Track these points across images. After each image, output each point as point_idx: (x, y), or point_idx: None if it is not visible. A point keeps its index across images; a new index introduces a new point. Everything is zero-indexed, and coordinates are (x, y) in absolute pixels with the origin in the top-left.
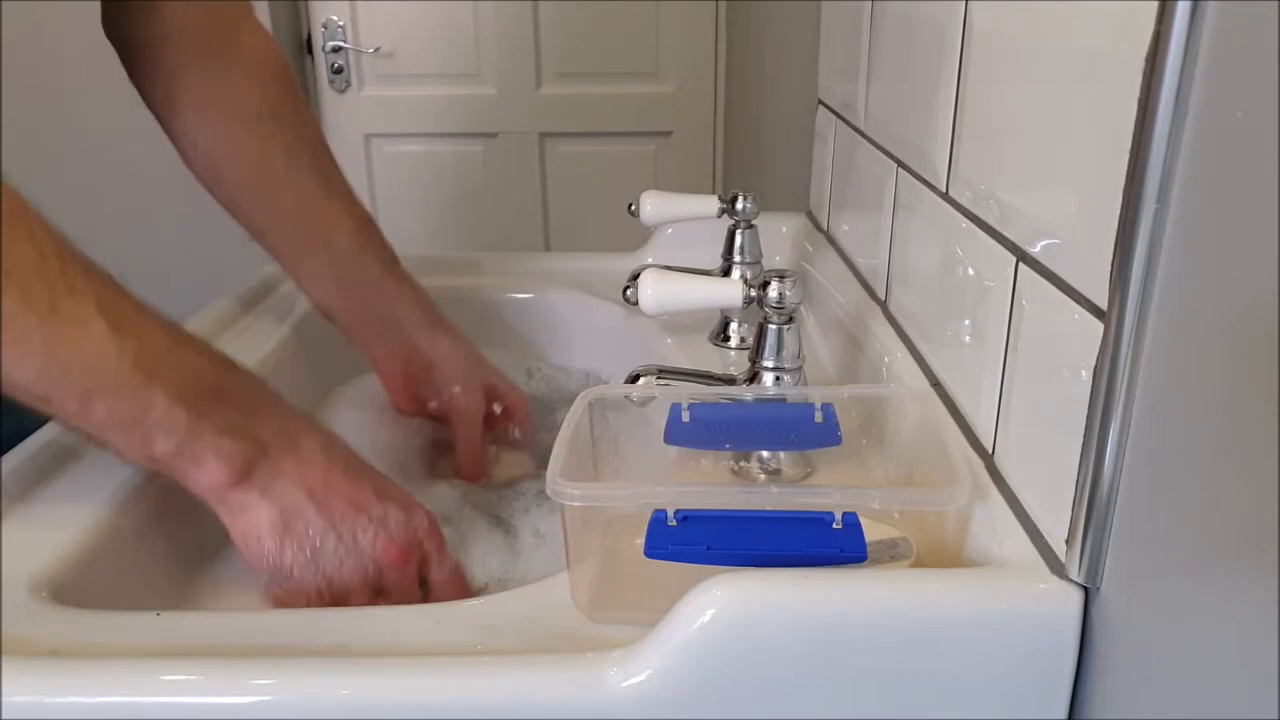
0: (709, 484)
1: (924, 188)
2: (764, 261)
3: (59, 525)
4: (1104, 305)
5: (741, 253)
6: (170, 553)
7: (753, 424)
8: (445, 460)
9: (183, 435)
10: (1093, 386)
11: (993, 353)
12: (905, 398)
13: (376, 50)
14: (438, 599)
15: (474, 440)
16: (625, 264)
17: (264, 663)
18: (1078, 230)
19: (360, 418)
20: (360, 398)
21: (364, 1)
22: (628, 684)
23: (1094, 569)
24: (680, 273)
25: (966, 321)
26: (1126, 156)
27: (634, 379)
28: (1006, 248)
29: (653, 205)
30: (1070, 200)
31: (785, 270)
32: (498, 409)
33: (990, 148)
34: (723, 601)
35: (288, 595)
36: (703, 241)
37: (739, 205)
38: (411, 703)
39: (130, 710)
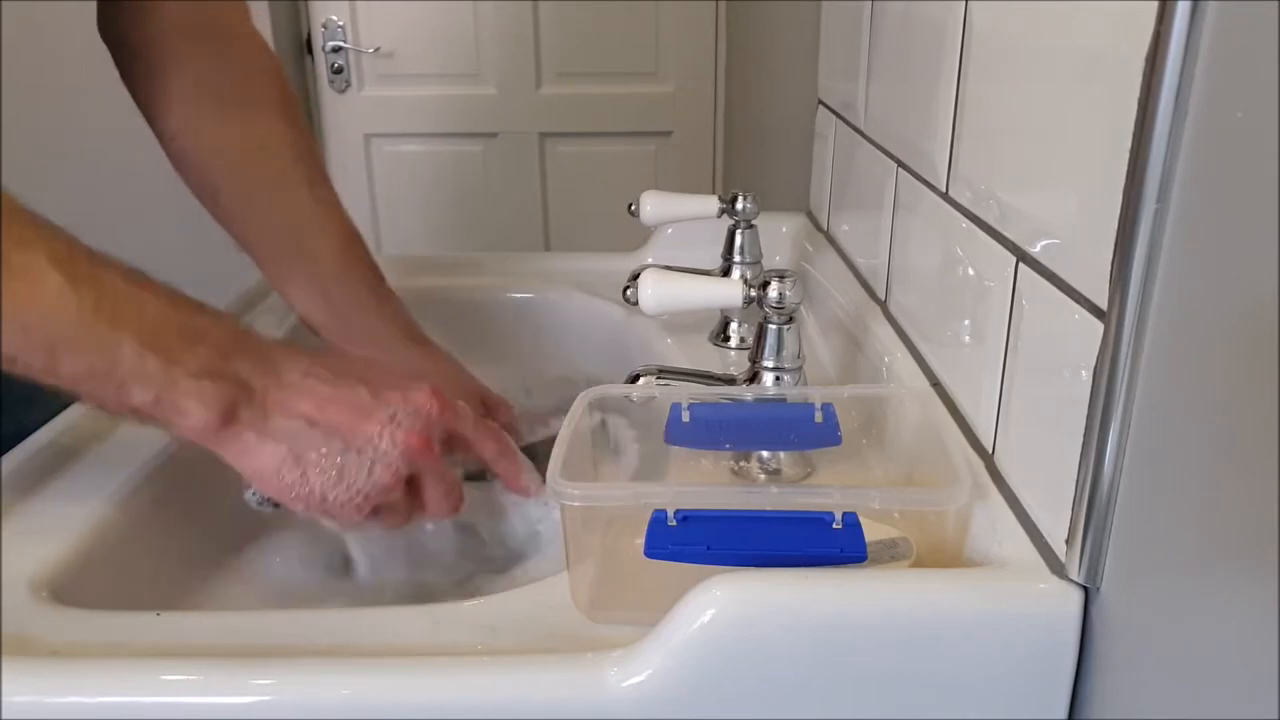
0: (709, 484)
1: (924, 188)
2: (764, 261)
3: (59, 525)
4: (1104, 305)
5: (741, 253)
6: (170, 553)
7: (753, 424)
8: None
9: (158, 383)
10: (1093, 386)
11: (993, 353)
12: (905, 398)
13: (376, 50)
14: (468, 457)
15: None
16: (625, 264)
17: (264, 663)
18: (1078, 230)
19: None
20: None
21: (364, 1)
22: (628, 684)
23: (1094, 569)
24: (680, 273)
25: (966, 321)
26: (1126, 156)
27: (634, 379)
28: (1006, 248)
29: (653, 205)
30: (1070, 200)
31: (785, 270)
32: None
33: (990, 148)
34: (723, 601)
35: (333, 517)
36: (703, 241)
37: (739, 205)
38: (411, 703)
39: (130, 710)
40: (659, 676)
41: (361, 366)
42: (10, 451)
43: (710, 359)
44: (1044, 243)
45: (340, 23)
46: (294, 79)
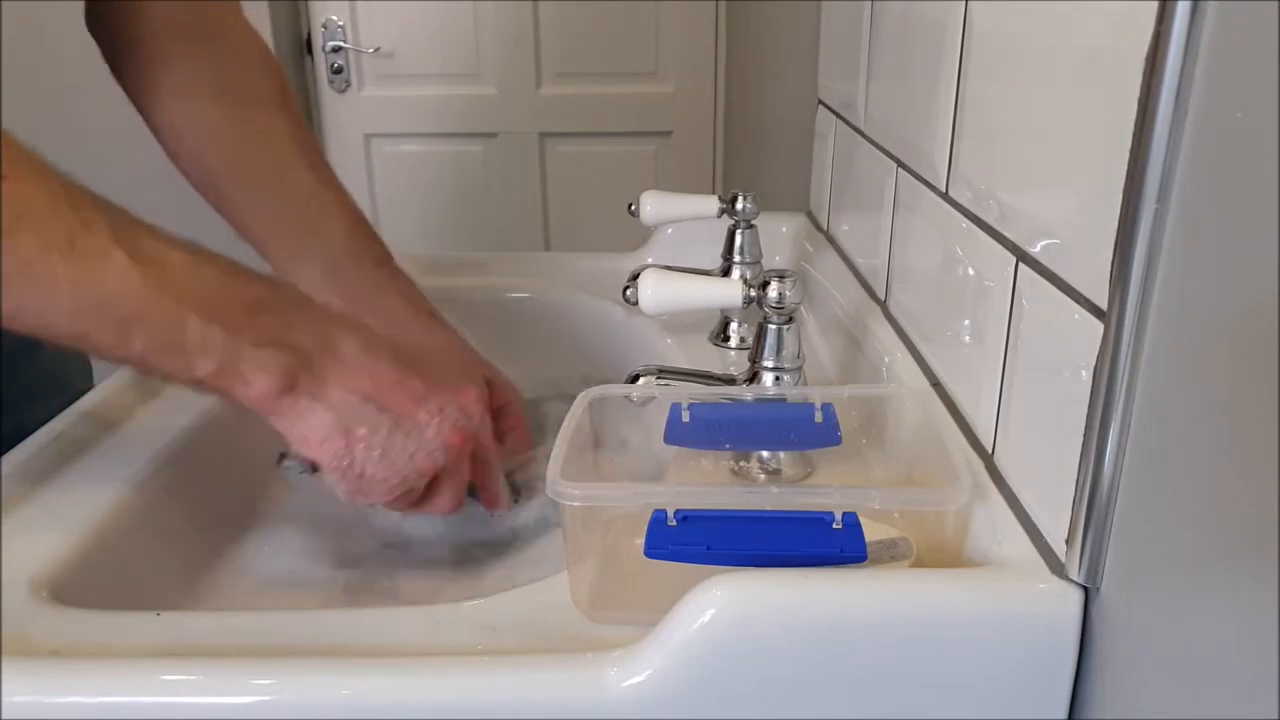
0: (709, 484)
1: (924, 188)
2: (764, 261)
3: (59, 525)
4: (1104, 305)
5: (741, 253)
6: (171, 552)
7: (753, 424)
8: None
9: (222, 354)
10: (1093, 386)
11: (993, 353)
12: (905, 398)
13: (376, 50)
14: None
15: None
16: (625, 264)
17: (264, 663)
18: (1078, 230)
19: None
20: None
21: (364, 1)
22: (628, 684)
23: (1094, 569)
24: (680, 273)
25: (966, 321)
26: (1126, 156)
27: (634, 379)
28: (1006, 248)
29: (653, 205)
30: (1070, 200)
31: (785, 270)
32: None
33: (990, 148)
34: (723, 601)
35: (363, 493)
36: (703, 241)
37: (739, 205)
38: (411, 703)
39: (130, 710)
40: (659, 676)
41: (414, 353)
42: (10, 451)
43: (710, 359)
44: (1044, 243)
45: (340, 23)
46: (294, 79)
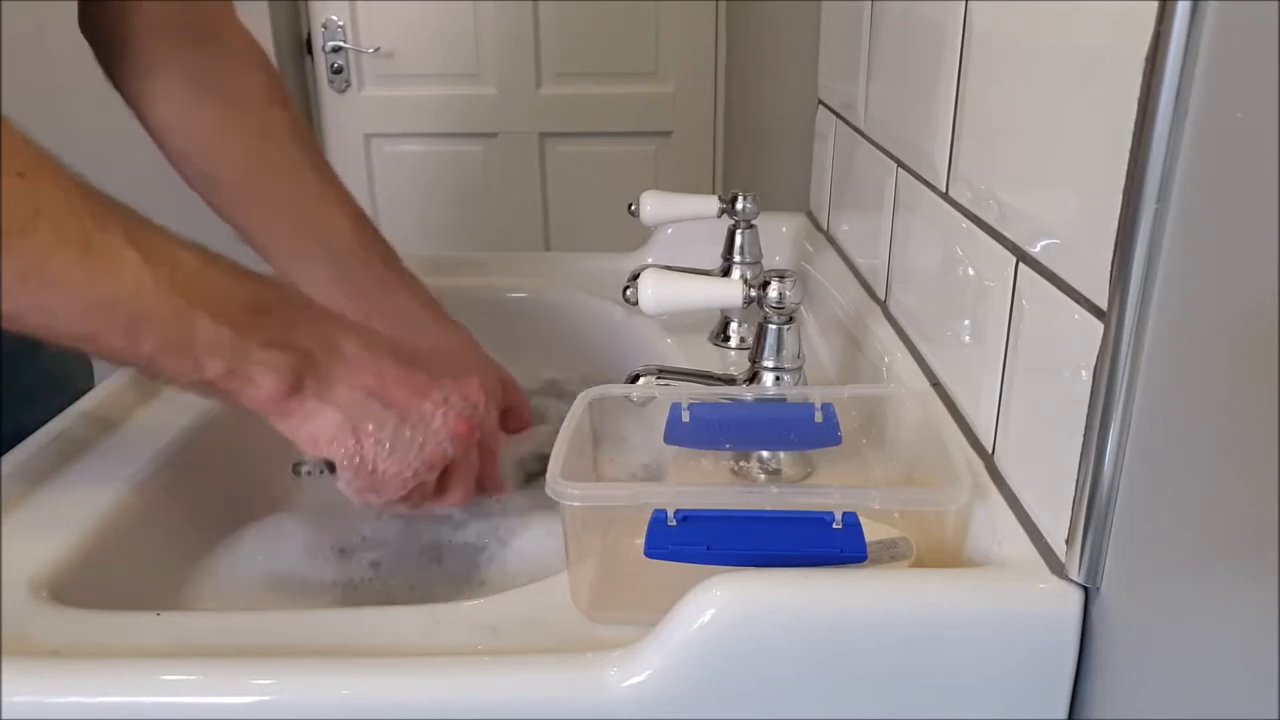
0: (709, 484)
1: (924, 188)
2: (764, 261)
3: (59, 525)
4: (1104, 305)
5: (741, 253)
6: (170, 552)
7: (753, 424)
8: None
9: (230, 355)
10: (1093, 386)
11: (993, 353)
12: (905, 398)
13: (376, 50)
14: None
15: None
16: (625, 264)
17: (264, 663)
18: (1078, 230)
19: None
20: None
21: (364, 1)
22: (628, 684)
23: (1094, 569)
24: (680, 273)
25: (966, 321)
26: (1126, 156)
27: (634, 379)
28: (1006, 248)
29: (653, 205)
30: (1070, 200)
31: (785, 270)
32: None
33: (990, 148)
34: (723, 601)
35: (376, 491)
36: (703, 241)
37: (739, 205)
38: (411, 703)
39: (130, 710)
40: (659, 676)
41: (412, 349)
42: (10, 451)
43: (710, 359)
44: (1044, 243)
45: (340, 23)
46: (294, 79)
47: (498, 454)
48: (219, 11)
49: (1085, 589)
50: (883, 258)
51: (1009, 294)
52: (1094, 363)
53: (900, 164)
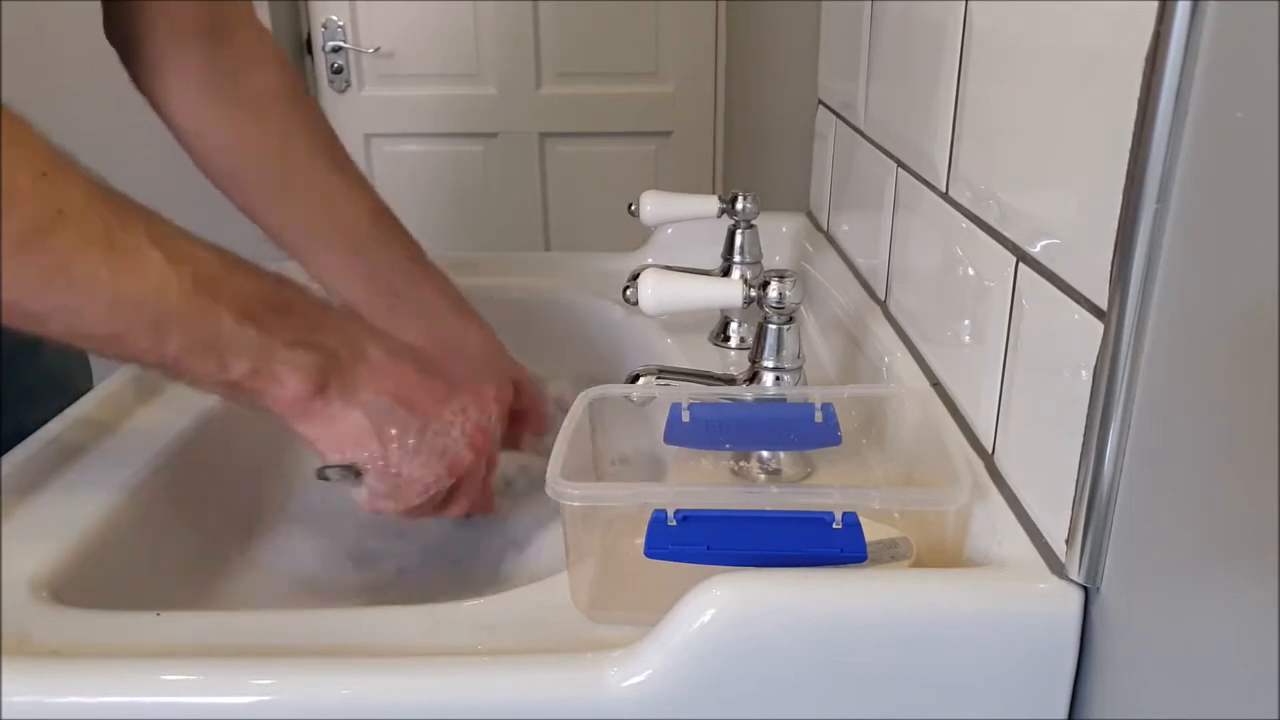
0: (709, 484)
1: (924, 188)
2: (764, 261)
3: (59, 525)
4: (1104, 305)
5: (741, 253)
6: (170, 552)
7: (753, 424)
8: None
9: (256, 354)
10: (1093, 386)
11: (993, 353)
12: (905, 398)
13: (376, 50)
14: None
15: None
16: (625, 264)
17: (264, 663)
18: (1078, 230)
19: None
20: None
21: (364, 1)
22: (628, 684)
23: (1094, 569)
24: (680, 273)
25: (966, 321)
26: (1126, 156)
27: (634, 379)
28: (1006, 248)
29: (653, 205)
30: (1070, 200)
31: (785, 270)
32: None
33: (990, 148)
34: (723, 601)
35: (396, 498)
36: (703, 241)
37: (739, 205)
38: (411, 703)
39: (130, 710)
40: (659, 676)
41: (430, 356)
42: (10, 451)
43: (710, 359)
44: (1044, 243)
45: (340, 23)
46: None
47: (496, 470)
48: (236, 11)
49: (1085, 589)
50: (883, 258)
51: (1009, 294)
52: (1094, 363)
53: (900, 164)
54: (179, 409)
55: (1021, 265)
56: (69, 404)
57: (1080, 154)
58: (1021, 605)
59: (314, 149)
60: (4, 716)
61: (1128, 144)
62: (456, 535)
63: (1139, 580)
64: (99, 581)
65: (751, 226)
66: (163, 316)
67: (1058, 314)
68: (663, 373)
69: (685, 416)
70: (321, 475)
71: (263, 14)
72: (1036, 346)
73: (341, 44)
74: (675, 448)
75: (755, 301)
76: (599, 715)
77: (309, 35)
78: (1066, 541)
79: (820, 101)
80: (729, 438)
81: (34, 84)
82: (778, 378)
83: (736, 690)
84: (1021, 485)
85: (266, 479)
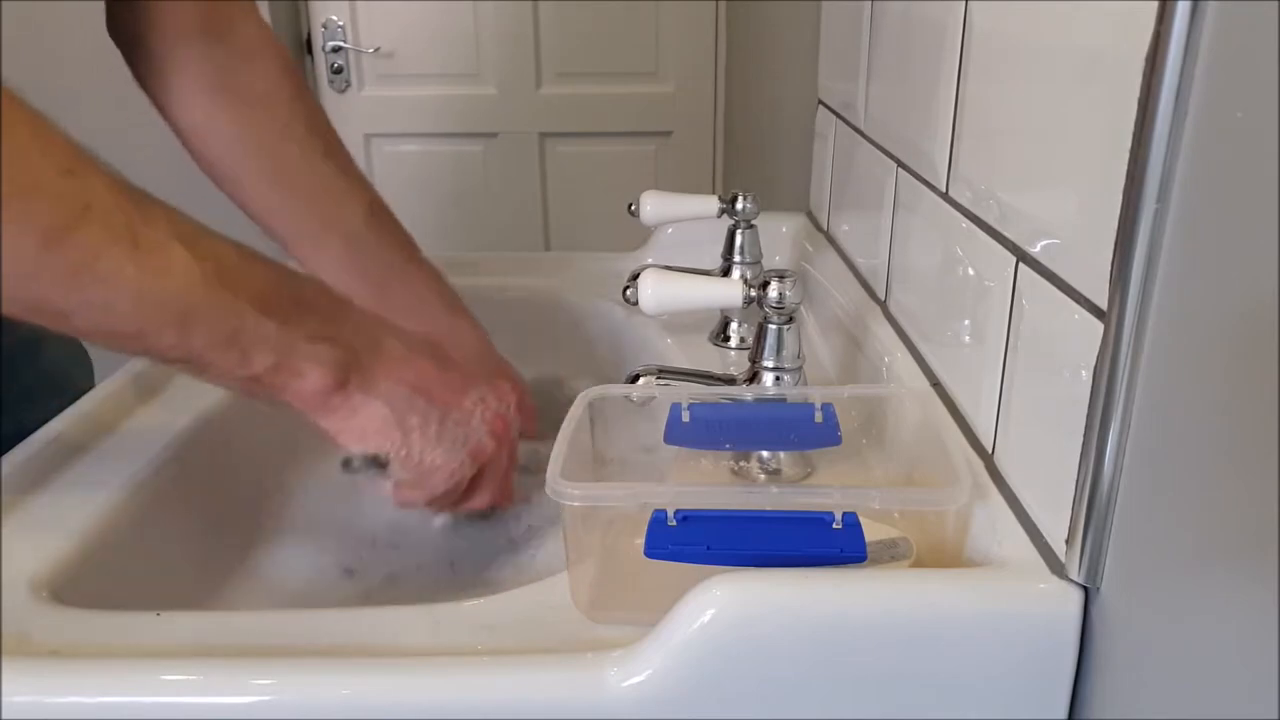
0: (709, 484)
1: (924, 188)
2: (764, 261)
3: (59, 525)
4: (1104, 305)
5: (741, 253)
6: (170, 552)
7: (753, 424)
8: None
9: (278, 348)
10: (1093, 386)
11: (993, 353)
12: (905, 398)
13: (376, 50)
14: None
15: None
16: (625, 264)
17: (264, 663)
18: (1078, 230)
19: None
20: None
21: (364, 1)
22: (628, 684)
23: (1094, 569)
24: (680, 273)
25: (966, 321)
26: (1126, 156)
27: (634, 379)
28: (1006, 248)
29: (653, 205)
30: (1070, 200)
31: (785, 270)
32: None
33: (990, 148)
34: (723, 601)
35: (422, 486)
36: (703, 241)
37: (739, 205)
38: (411, 703)
39: (130, 710)
40: (659, 676)
41: (445, 352)
42: (11, 451)
43: (710, 359)
44: (1044, 243)
45: (340, 23)
46: None
47: (515, 461)
48: (237, 9)
49: (1085, 589)
50: (883, 258)
51: (1009, 294)
52: (1094, 363)
53: (900, 164)
54: (179, 409)
55: (1021, 265)
56: (69, 404)
57: (1080, 154)
58: (1021, 605)
59: (311, 145)
60: (4, 716)
61: (1128, 144)
62: (458, 535)
63: (1139, 580)
64: (99, 581)
65: (751, 226)
66: (187, 312)
67: (1058, 314)
68: (663, 373)
69: (685, 416)
70: (346, 466)
71: (263, 14)
72: (1036, 346)
73: (341, 44)
74: (675, 448)
75: (755, 301)
76: (599, 715)
77: (309, 35)
78: (1066, 541)
79: (820, 101)
80: (729, 438)
81: (34, 84)
82: (778, 378)
83: (736, 690)
84: (1021, 485)
85: (267, 478)
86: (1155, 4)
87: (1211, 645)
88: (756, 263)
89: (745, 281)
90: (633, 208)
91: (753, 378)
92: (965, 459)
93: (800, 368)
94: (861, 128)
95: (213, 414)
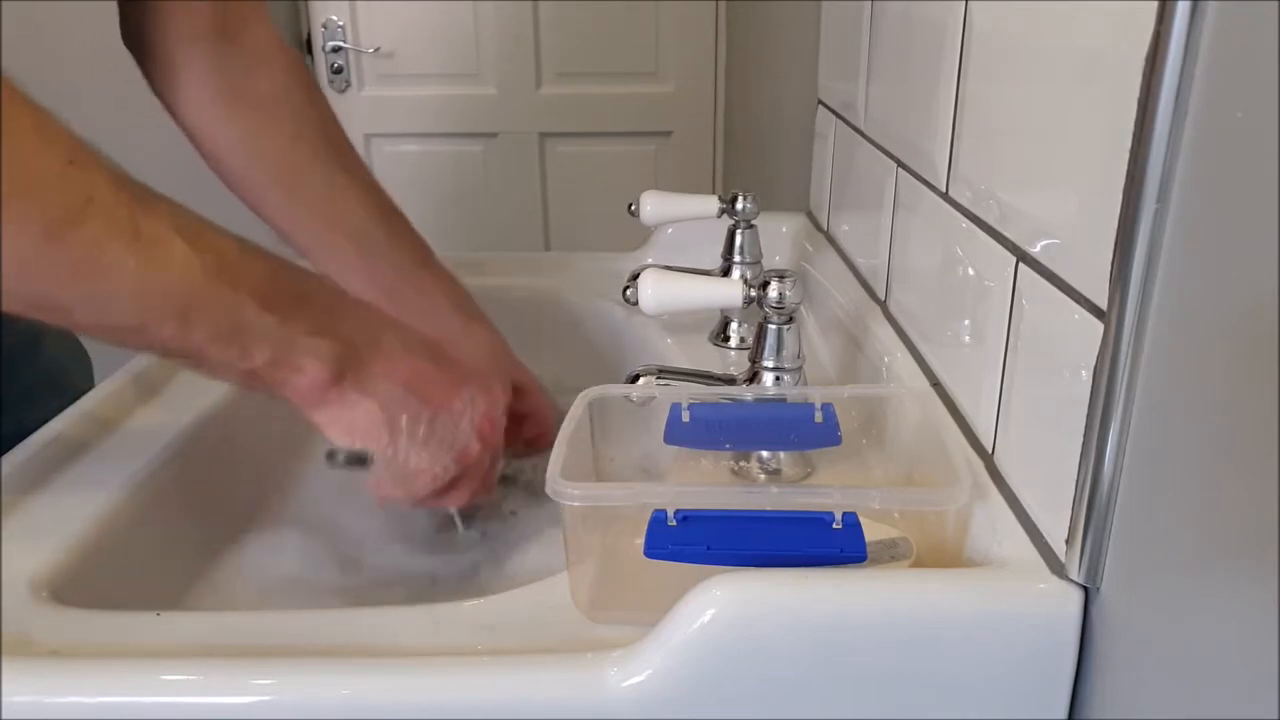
0: (709, 484)
1: (924, 188)
2: (764, 261)
3: (59, 525)
4: (1104, 305)
5: (741, 253)
6: (170, 552)
7: (753, 424)
8: None
9: (278, 342)
10: (1093, 386)
11: (993, 353)
12: (905, 398)
13: (376, 50)
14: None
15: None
16: (625, 264)
17: (264, 663)
18: (1078, 230)
19: None
20: None
21: (364, 1)
22: (628, 684)
23: (1094, 569)
24: (680, 273)
25: (966, 321)
26: (1126, 156)
27: (634, 379)
28: (1006, 248)
29: (653, 205)
30: (1070, 200)
31: (785, 270)
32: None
33: (990, 148)
34: (723, 601)
35: (403, 486)
36: (703, 241)
37: (739, 205)
38: (411, 703)
39: (130, 710)
40: (659, 676)
41: (442, 348)
42: (10, 451)
43: (710, 359)
44: (1044, 243)
45: (340, 23)
46: None
47: (499, 460)
48: (248, 12)
49: (1085, 589)
50: (883, 258)
51: (1009, 294)
52: (1094, 363)
53: (900, 164)
54: (179, 408)
55: (1021, 265)
56: (69, 403)
57: (1080, 154)
58: (1021, 605)
59: (323, 149)
60: (4, 716)
61: (1128, 144)
62: (455, 537)
63: (1139, 580)
64: (99, 581)
65: (751, 226)
66: (188, 305)
67: (1058, 314)
68: (663, 373)
69: (685, 416)
70: (330, 458)
71: None
72: (1036, 346)
73: (341, 44)
74: (675, 448)
75: (755, 301)
76: (599, 715)
77: (309, 35)
78: (1066, 541)
79: (820, 101)
80: (729, 438)
81: (35, 81)
82: (778, 378)
83: (736, 690)
84: (1021, 485)
85: (268, 477)
86: (1155, 4)
87: (1211, 645)
88: (756, 263)
89: (745, 281)
90: (633, 208)
91: (753, 378)
92: (965, 459)
93: (800, 368)
94: (861, 128)
95: (213, 414)
